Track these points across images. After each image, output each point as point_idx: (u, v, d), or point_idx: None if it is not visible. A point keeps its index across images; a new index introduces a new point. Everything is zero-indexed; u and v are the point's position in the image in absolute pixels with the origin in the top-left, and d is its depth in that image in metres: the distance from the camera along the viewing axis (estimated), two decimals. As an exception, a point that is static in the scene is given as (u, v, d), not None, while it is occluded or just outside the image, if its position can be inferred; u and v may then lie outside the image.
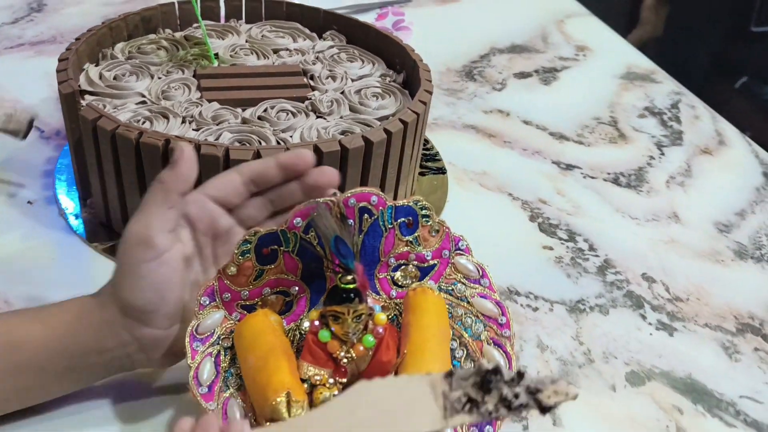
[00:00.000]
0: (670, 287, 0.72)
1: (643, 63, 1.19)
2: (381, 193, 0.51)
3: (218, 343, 0.49)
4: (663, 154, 0.95)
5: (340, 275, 0.47)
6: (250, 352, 0.47)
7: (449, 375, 0.36)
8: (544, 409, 0.35)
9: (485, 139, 0.94)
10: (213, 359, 0.49)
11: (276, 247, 0.50)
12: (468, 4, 1.33)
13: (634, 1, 2.22)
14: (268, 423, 0.45)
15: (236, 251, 0.49)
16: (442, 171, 0.86)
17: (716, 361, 0.64)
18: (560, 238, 0.77)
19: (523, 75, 1.11)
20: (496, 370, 0.36)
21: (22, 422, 0.51)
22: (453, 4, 1.32)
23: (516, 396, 0.35)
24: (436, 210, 0.79)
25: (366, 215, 0.51)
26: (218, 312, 0.50)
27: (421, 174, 0.85)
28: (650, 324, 0.68)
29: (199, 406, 0.46)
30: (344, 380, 0.48)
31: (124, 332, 0.49)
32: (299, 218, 0.49)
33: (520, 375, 0.36)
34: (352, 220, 0.50)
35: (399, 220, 0.52)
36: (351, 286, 0.47)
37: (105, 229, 0.71)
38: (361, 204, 0.50)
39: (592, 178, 0.88)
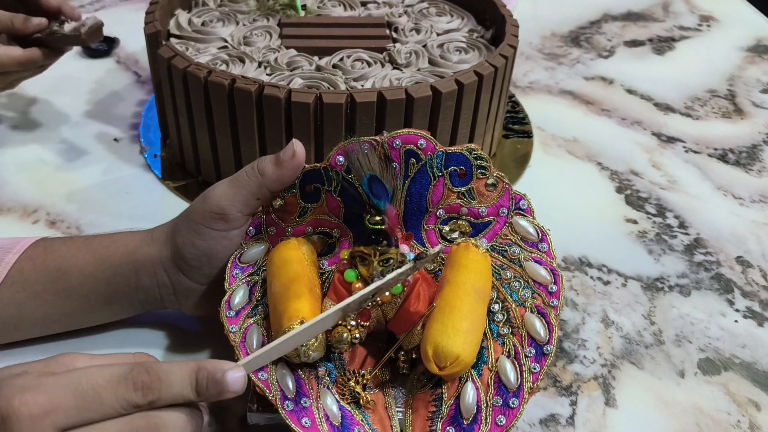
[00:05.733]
0: (768, 274, 0.65)
1: (776, 35, 1.07)
2: (430, 137, 0.48)
3: (258, 274, 0.49)
4: (784, 132, 0.85)
5: (368, 215, 0.45)
6: (275, 278, 0.46)
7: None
8: (418, 259, 0.45)
9: (581, 105, 0.88)
10: (248, 288, 0.48)
11: (319, 185, 0.49)
12: (585, -31, 1.25)
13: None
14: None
15: (282, 186, 0.49)
16: (528, 135, 0.81)
17: (810, 357, 0.57)
18: (648, 212, 0.71)
19: (634, 43, 1.04)
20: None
21: (68, 342, 0.53)
22: (569, -32, 1.25)
23: (401, 263, 0.45)
24: (514, 173, 0.75)
25: (413, 159, 0.48)
26: (262, 244, 0.49)
27: (505, 137, 0.81)
28: (737, 311, 0.61)
29: (224, 328, 0.46)
30: (367, 323, 0.46)
31: (163, 273, 0.50)
32: (341, 156, 0.47)
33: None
34: (397, 164, 0.48)
35: (450, 169, 0.49)
36: (379, 227, 0.45)
37: (180, 168, 0.73)
38: (408, 147, 0.48)
39: (696, 152, 0.80)
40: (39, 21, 0.67)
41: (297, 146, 0.48)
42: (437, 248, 0.46)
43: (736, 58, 1.01)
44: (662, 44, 1.04)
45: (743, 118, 0.87)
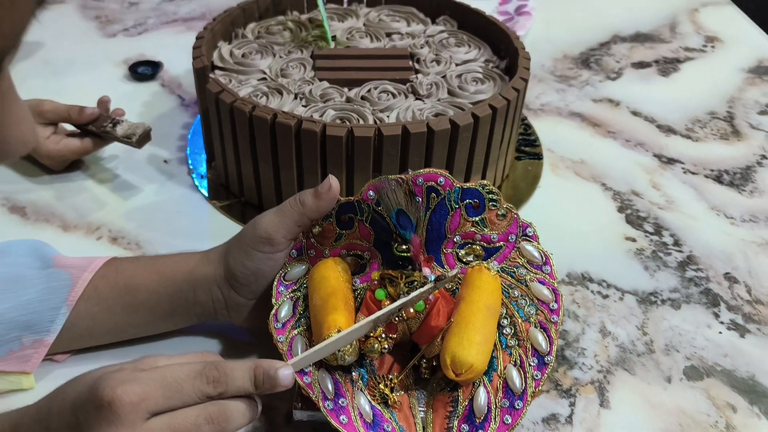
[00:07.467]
0: (753, 289, 0.72)
1: (777, 57, 1.13)
2: (448, 174, 0.56)
3: (300, 291, 0.57)
4: (777, 154, 0.92)
5: (396, 244, 0.53)
6: (315, 292, 0.54)
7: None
8: (437, 280, 0.53)
9: (589, 127, 0.95)
10: (292, 303, 0.56)
11: (352, 215, 0.57)
12: (597, -11, 1.32)
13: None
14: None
15: (320, 216, 0.57)
16: (538, 157, 0.89)
17: (785, 367, 0.64)
18: (646, 231, 0.78)
19: (641, 65, 1.10)
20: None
21: (134, 348, 0.61)
22: (582, -11, 1.32)
23: (424, 284, 0.53)
24: (525, 194, 0.83)
25: (433, 194, 0.56)
26: (303, 264, 0.58)
27: (518, 158, 0.88)
28: (722, 323, 0.68)
29: (272, 338, 0.54)
30: (394, 335, 0.54)
31: (217, 290, 0.58)
32: (371, 191, 0.55)
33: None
34: (420, 198, 0.56)
35: (465, 202, 0.57)
36: (405, 254, 0.53)
37: (224, 189, 0.81)
38: (429, 183, 0.56)
39: (693, 173, 0.87)
40: (92, 111, 0.80)
41: (333, 181, 0.56)
42: (455, 271, 0.54)
43: (737, 79, 1.07)
44: (668, 66, 1.10)
45: (740, 140, 0.94)
